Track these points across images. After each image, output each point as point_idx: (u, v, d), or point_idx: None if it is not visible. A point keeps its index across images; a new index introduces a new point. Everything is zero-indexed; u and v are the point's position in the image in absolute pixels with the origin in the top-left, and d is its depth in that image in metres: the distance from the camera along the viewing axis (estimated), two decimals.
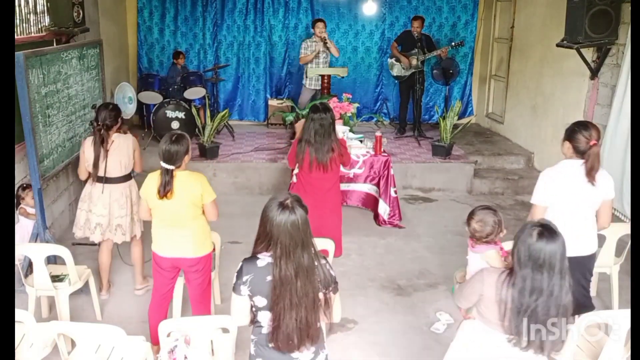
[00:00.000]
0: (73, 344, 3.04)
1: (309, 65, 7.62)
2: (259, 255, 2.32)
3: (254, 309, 2.34)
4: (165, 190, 3.29)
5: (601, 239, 3.78)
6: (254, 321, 2.38)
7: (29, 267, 4.05)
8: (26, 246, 4.05)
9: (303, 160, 4.18)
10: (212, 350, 2.97)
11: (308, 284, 2.24)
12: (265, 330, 2.33)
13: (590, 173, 3.23)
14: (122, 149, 4.18)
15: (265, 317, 2.32)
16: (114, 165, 4.15)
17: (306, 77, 7.75)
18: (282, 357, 2.32)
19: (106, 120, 4.08)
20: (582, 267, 3.37)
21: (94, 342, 2.95)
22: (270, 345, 2.31)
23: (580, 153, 3.28)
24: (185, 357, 2.80)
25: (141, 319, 4.05)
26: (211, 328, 2.85)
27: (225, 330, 2.87)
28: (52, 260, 4.16)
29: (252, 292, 2.29)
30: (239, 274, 2.32)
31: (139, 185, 3.69)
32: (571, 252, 3.32)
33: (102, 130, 4.07)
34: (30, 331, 2.91)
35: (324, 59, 7.65)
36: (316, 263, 2.28)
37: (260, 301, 2.29)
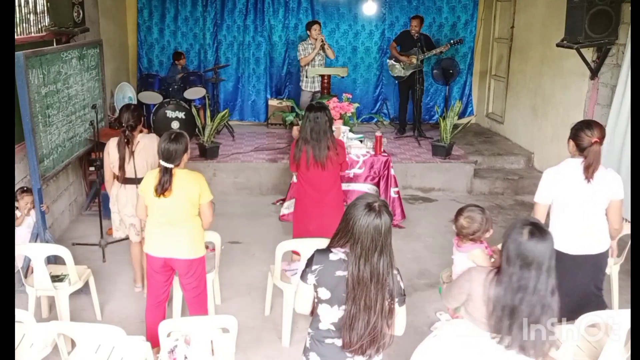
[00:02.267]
0: (73, 344, 3.04)
1: (307, 66, 7.61)
2: (332, 249, 2.34)
3: (315, 300, 2.37)
4: (163, 188, 3.30)
5: None
6: (313, 313, 2.41)
7: (29, 267, 4.04)
8: (26, 246, 4.05)
9: (300, 159, 4.20)
10: (212, 350, 2.97)
11: (380, 290, 2.26)
12: (324, 325, 2.36)
13: (588, 170, 3.24)
14: (149, 148, 4.16)
15: (325, 311, 2.34)
16: (141, 165, 4.16)
17: (303, 79, 7.73)
18: (337, 357, 2.35)
19: (130, 121, 4.09)
20: (591, 265, 3.38)
21: (94, 342, 2.95)
22: (326, 341, 2.35)
23: (582, 151, 3.30)
24: (185, 357, 2.80)
25: (141, 319, 4.04)
26: (211, 328, 2.85)
27: (225, 330, 2.87)
28: (52, 260, 4.16)
29: (318, 283, 2.32)
30: (309, 262, 2.35)
31: None
32: (579, 250, 3.33)
33: (127, 131, 4.09)
34: (30, 331, 2.91)
35: (319, 60, 7.64)
36: (389, 272, 2.29)
37: (324, 293, 2.32)
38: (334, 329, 2.35)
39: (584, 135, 3.28)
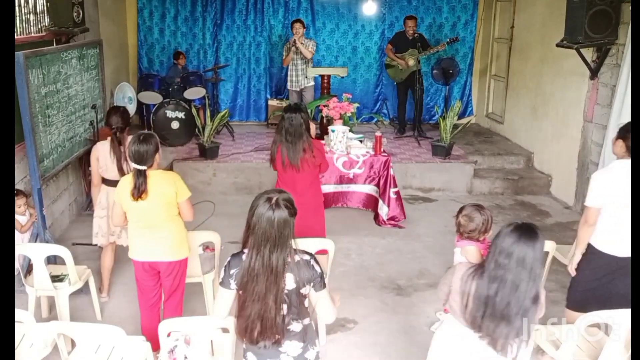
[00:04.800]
0: (73, 344, 3.04)
1: (290, 65, 7.69)
2: (244, 250, 2.36)
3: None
4: (139, 191, 3.25)
5: None
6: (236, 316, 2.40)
7: (29, 267, 4.04)
8: (26, 246, 4.05)
9: (276, 160, 4.18)
10: (212, 350, 2.97)
11: (273, 283, 2.26)
12: None
13: None
14: None
15: None
16: (129, 167, 4.14)
17: (287, 79, 7.76)
18: (270, 352, 2.35)
19: (119, 123, 4.08)
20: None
21: (94, 342, 2.95)
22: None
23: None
24: (185, 357, 2.80)
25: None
26: (211, 328, 2.85)
27: (225, 330, 2.87)
28: (52, 260, 4.16)
29: (238, 286, 2.33)
30: (227, 268, 2.37)
31: None
32: (627, 252, 3.24)
33: (118, 133, 4.08)
34: (30, 331, 2.91)
35: (301, 59, 7.64)
36: (289, 260, 2.28)
37: None
38: None
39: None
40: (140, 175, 3.26)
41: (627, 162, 3.23)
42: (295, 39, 7.43)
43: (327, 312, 2.43)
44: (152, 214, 3.34)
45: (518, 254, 2.29)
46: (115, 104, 7.35)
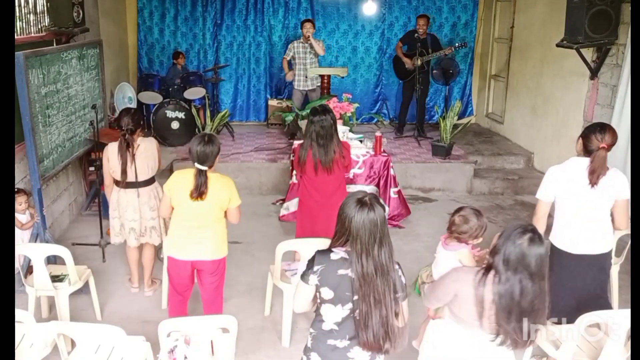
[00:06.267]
0: (73, 344, 3.04)
1: (297, 65, 7.62)
2: (333, 249, 2.36)
3: (318, 301, 2.38)
4: (200, 191, 3.29)
5: None
6: (316, 312, 2.42)
7: (29, 267, 4.04)
8: (26, 246, 4.05)
9: (306, 164, 4.17)
10: (212, 350, 2.97)
11: (386, 282, 2.28)
12: (327, 325, 2.37)
13: (593, 174, 3.22)
14: (149, 152, 4.19)
15: (328, 311, 2.35)
16: (142, 168, 4.16)
17: (295, 77, 7.73)
18: (338, 356, 2.36)
19: (129, 125, 4.08)
20: (593, 266, 3.36)
21: (94, 342, 2.95)
22: (328, 342, 2.35)
23: (588, 152, 3.28)
24: (185, 357, 2.80)
25: (141, 319, 4.05)
26: (211, 328, 2.85)
27: (225, 330, 2.87)
28: (52, 260, 4.16)
29: (320, 283, 2.33)
30: (311, 263, 2.36)
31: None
32: (581, 249, 3.31)
33: (127, 135, 4.08)
34: (30, 331, 2.91)
35: (311, 59, 7.64)
36: (392, 262, 2.32)
37: (327, 293, 2.33)
38: (337, 329, 2.36)
39: (594, 138, 3.25)
40: (202, 175, 3.29)
41: (581, 160, 3.28)
42: (309, 36, 7.43)
43: (404, 322, 2.43)
44: (205, 215, 3.38)
45: (535, 263, 2.31)
46: (115, 104, 7.36)
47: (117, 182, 4.21)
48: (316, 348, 2.41)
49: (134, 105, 7.64)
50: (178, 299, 3.60)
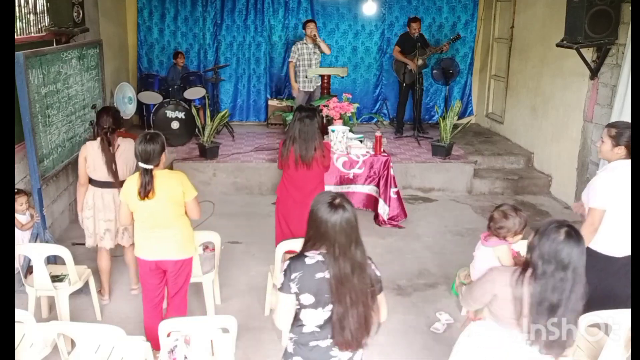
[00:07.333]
0: (73, 344, 3.04)
1: (301, 67, 7.60)
2: (306, 254, 2.32)
3: (297, 307, 2.35)
4: (146, 190, 3.26)
5: None
6: (295, 318, 2.39)
7: (29, 267, 4.04)
8: (26, 246, 4.05)
9: (288, 159, 4.22)
10: (212, 350, 2.97)
11: (362, 280, 2.28)
12: (308, 329, 2.35)
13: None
14: (128, 152, 4.13)
15: (309, 315, 2.33)
16: (121, 168, 4.13)
17: (298, 79, 7.72)
18: (321, 355, 2.35)
19: (110, 123, 4.05)
20: (627, 266, 3.27)
21: (94, 342, 2.95)
22: (310, 344, 2.34)
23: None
24: (185, 357, 2.80)
25: (141, 318, 4.03)
26: (211, 328, 2.85)
27: (225, 330, 2.87)
28: (52, 260, 4.16)
29: (300, 290, 2.29)
30: (287, 272, 2.31)
31: None
32: (624, 252, 3.23)
33: (109, 134, 4.06)
34: (30, 331, 2.91)
35: (316, 59, 7.64)
36: (366, 259, 2.33)
37: (307, 299, 2.30)
38: (319, 331, 2.34)
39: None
40: (147, 175, 3.27)
41: (627, 163, 3.22)
42: (315, 35, 7.43)
43: (384, 313, 2.46)
44: (159, 213, 3.35)
45: (573, 261, 2.29)
46: (115, 104, 7.35)
47: (93, 182, 4.15)
48: (299, 352, 2.38)
49: (134, 105, 7.64)
50: (150, 305, 3.58)
